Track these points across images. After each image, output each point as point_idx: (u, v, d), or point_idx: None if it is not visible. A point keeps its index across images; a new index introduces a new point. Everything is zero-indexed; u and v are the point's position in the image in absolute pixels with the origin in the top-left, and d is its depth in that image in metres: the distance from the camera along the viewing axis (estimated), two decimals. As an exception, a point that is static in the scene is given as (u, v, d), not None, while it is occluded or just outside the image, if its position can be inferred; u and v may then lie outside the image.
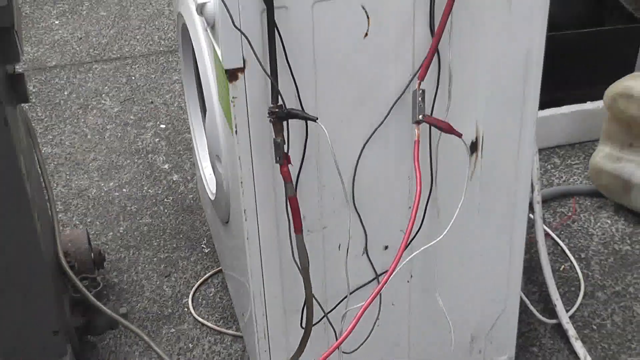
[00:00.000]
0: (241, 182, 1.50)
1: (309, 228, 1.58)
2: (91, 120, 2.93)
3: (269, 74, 1.33)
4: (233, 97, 1.42)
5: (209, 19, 1.41)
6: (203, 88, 1.65)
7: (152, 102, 3.01)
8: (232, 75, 1.40)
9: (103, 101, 3.03)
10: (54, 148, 2.79)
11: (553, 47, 2.34)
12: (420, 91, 1.42)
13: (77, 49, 3.35)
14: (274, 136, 1.38)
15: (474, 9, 1.45)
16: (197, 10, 1.42)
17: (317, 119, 1.36)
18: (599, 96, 2.50)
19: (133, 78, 3.15)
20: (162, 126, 2.89)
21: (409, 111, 1.47)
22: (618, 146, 2.27)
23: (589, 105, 2.54)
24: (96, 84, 3.12)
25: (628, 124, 2.22)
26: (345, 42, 1.42)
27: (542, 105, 2.53)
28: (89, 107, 3.00)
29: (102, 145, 2.80)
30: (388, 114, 1.49)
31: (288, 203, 1.43)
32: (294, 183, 1.46)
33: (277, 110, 1.35)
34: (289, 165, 1.40)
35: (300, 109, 1.40)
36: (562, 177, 2.50)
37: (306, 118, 1.37)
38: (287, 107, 1.37)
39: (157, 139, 2.82)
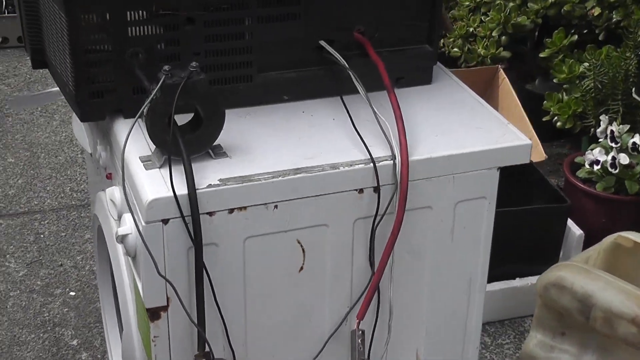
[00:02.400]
0: (161, 422, 1.35)
1: None
2: (-7, 285, 2.73)
3: (196, 322, 1.21)
4: (154, 337, 1.28)
5: (130, 252, 1.28)
6: (120, 306, 1.51)
7: (61, 265, 2.82)
8: (153, 314, 1.27)
9: (7, 263, 2.83)
10: (-50, 320, 2.57)
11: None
12: (360, 332, 1.31)
13: (-18, 201, 3.16)
14: (200, 386, 1.25)
15: (416, 242, 1.37)
16: (116, 239, 1.29)
17: (249, 371, 1.24)
18: (527, 273, 2.46)
19: (42, 236, 2.97)
20: (72, 293, 2.70)
21: (344, 344, 1.37)
22: (550, 334, 2.20)
23: (517, 282, 2.50)
24: (0, 243, 2.92)
25: (560, 313, 2.16)
26: (279, 277, 1.32)
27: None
28: (-8, 270, 2.80)
29: (3, 317, 2.59)
30: (322, 349, 1.38)
31: None
32: None
33: (203, 359, 1.22)
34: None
35: (231, 354, 1.28)
36: (493, 359, 2.42)
37: (236, 370, 1.24)
38: (215, 354, 1.24)
39: (66, 309, 2.63)
